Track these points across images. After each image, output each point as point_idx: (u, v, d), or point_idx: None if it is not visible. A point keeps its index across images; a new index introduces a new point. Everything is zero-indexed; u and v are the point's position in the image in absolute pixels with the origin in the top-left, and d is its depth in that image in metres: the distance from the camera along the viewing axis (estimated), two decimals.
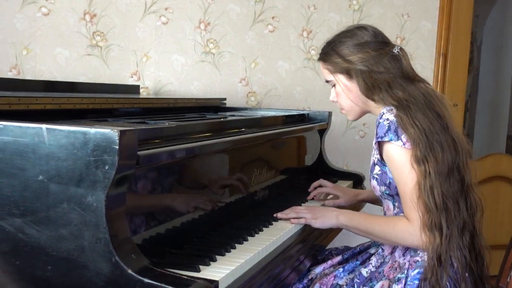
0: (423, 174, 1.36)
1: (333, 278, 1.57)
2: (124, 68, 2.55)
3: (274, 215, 1.60)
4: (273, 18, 2.84)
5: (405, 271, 1.42)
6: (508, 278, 1.50)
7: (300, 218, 1.57)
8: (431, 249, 1.35)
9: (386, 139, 1.41)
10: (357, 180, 2.32)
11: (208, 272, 1.12)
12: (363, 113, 1.60)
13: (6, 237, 1.04)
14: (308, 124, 2.24)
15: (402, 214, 1.46)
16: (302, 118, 2.33)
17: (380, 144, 1.46)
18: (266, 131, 1.80)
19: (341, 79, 1.54)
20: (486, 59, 4.63)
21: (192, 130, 1.42)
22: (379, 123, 1.44)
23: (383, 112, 1.45)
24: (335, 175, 2.32)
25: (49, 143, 1.01)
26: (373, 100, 1.50)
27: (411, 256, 1.45)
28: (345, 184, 2.22)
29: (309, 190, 1.93)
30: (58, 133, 1.00)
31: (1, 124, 1.04)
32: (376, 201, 1.89)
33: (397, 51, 1.50)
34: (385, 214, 1.57)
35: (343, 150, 3.05)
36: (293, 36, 2.89)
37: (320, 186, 1.94)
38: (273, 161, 1.90)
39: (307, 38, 2.92)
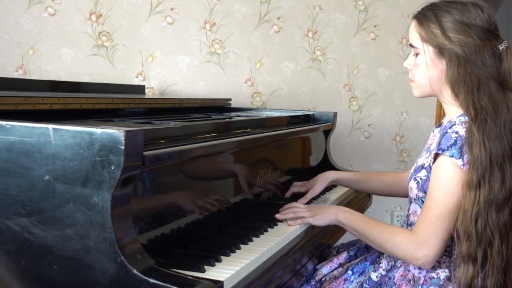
0: (471, 201, 1.26)
1: (343, 282, 1.53)
2: (130, 68, 2.56)
3: (275, 216, 1.59)
4: (278, 18, 2.84)
5: (419, 287, 1.37)
6: None
7: (298, 218, 1.55)
8: (463, 280, 1.28)
9: (447, 153, 1.29)
10: None
11: (213, 272, 1.12)
12: (432, 95, 1.44)
13: (12, 236, 1.05)
14: (313, 125, 2.24)
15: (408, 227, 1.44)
16: (307, 119, 2.32)
17: (437, 154, 1.33)
18: (271, 131, 1.80)
19: (430, 51, 1.36)
20: None
21: (197, 130, 1.42)
22: (446, 132, 1.32)
23: (454, 122, 1.33)
24: None
25: (55, 143, 1.01)
26: (453, 93, 1.35)
27: (427, 272, 1.38)
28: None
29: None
30: (64, 133, 1.01)
31: (8, 124, 1.04)
32: (350, 183, 1.86)
33: (503, 48, 1.34)
34: (408, 216, 1.50)
35: (348, 151, 3.05)
36: (299, 36, 2.89)
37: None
38: (278, 161, 1.90)
39: (312, 39, 2.91)
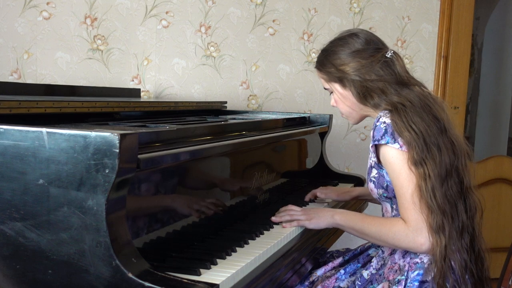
0: (422, 176, 1.36)
1: (334, 280, 1.57)
2: (125, 72, 2.55)
3: (271, 219, 1.59)
4: (273, 21, 2.84)
5: (405, 273, 1.42)
6: (510, 281, 1.49)
7: (293, 220, 1.56)
8: (438, 251, 1.34)
9: (382, 142, 1.42)
10: (358, 183, 2.31)
11: (209, 275, 1.12)
12: (363, 117, 1.60)
13: (6, 241, 1.04)
14: (309, 127, 2.24)
15: (399, 216, 1.46)
16: (303, 121, 2.33)
17: (377, 147, 1.46)
18: (267, 134, 1.80)
19: (336, 87, 1.56)
20: (487, 62, 4.63)
21: (192, 133, 1.42)
22: (375, 126, 1.45)
23: (380, 115, 1.46)
24: (336, 178, 2.32)
25: (50, 147, 1.01)
26: (368, 106, 1.51)
27: (410, 258, 1.44)
28: (346, 187, 2.21)
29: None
30: (58, 137, 1.00)
31: (2, 128, 1.04)
32: (369, 196, 1.91)
33: (391, 55, 1.50)
34: (383, 215, 1.57)
35: (344, 153, 3.05)
36: (294, 39, 2.89)
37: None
38: (274, 164, 1.90)
39: (307, 41, 2.92)
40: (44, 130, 1.01)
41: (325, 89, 1.62)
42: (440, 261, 1.34)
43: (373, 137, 1.45)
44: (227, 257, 1.25)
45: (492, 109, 4.64)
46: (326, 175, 2.33)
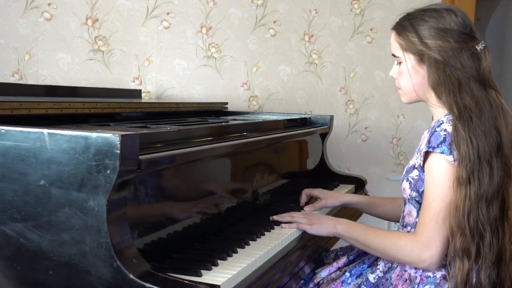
0: (463, 196, 1.29)
1: (340, 283, 1.53)
2: (126, 73, 2.56)
3: (271, 218, 1.58)
4: (274, 22, 2.84)
5: (416, 286, 1.38)
6: None
7: (293, 222, 1.55)
8: (459, 276, 1.29)
9: (438, 150, 1.32)
10: (359, 184, 2.31)
11: (210, 276, 1.12)
12: (419, 100, 1.49)
13: (7, 242, 1.04)
14: (310, 128, 2.24)
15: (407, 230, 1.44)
16: (304, 122, 2.32)
17: (427, 153, 1.36)
18: (268, 135, 1.79)
19: (411, 59, 1.41)
20: None
21: (193, 134, 1.42)
22: (435, 131, 1.35)
23: (442, 121, 1.36)
24: (337, 179, 2.31)
25: (51, 148, 1.01)
26: (437, 96, 1.39)
27: (423, 271, 1.39)
28: (347, 188, 2.21)
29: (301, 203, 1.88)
30: (59, 138, 1.00)
31: (3, 129, 1.04)
32: (364, 207, 1.83)
33: (481, 49, 1.37)
34: (403, 218, 1.51)
35: (345, 154, 3.05)
36: (295, 40, 2.89)
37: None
38: (274, 165, 1.90)
39: (308, 42, 2.92)
40: (45, 131, 1.01)
41: (392, 55, 1.48)
42: (461, 286, 1.29)
43: (429, 142, 1.34)
44: (228, 258, 1.25)
45: None
46: (327, 176, 2.33)
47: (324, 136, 2.37)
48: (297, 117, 2.30)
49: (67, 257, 1.01)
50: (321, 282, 1.58)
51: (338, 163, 2.96)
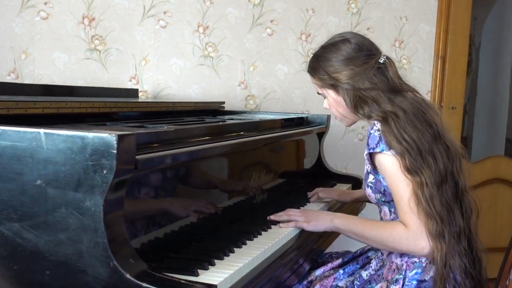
0: (419, 184, 1.36)
1: (332, 280, 1.57)
2: (123, 72, 2.55)
3: (268, 217, 1.59)
4: (271, 21, 2.84)
5: (403, 272, 1.42)
6: (507, 281, 1.50)
7: (291, 221, 1.56)
8: (439, 257, 1.34)
9: (377, 150, 1.42)
10: (356, 183, 2.31)
11: (207, 276, 1.12)
12: (356, 121, 1.61)
13: (4, 242, 1.04)
14: (307, 128, 2.24)
15: (398, 219, 1.46)
16: (301, 122, 2.33)
17: (371, 155, 1.46)
18: (265, 134, 1.80)
19: (330, 93, 1.56)
20: (485, 62, 4.64)
21: (190, 134, 1.42)
22: (370, 133, 1.44)
23: (374, 123, 1.45)
24: (334, 178, 2.32)
25: (47, 148, 1.01)
26: (361, 114, 1.50)
27: (408, 257, 1.44)
28: (344, 187, 2.22)
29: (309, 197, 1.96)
30: (56, 138, 1.00)
31: None
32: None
33: (383, 61, 1.50)
34: (381, 219, 1.57)
35: (342, 153, 3.05)
36: (292, 39, 2.89)
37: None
38: (272, 164, 1.90)
39: (305, 42, 2.92)
40: (41, 130, 1.01)
41: (318, 93, 1.63)
42: (441, 268, 1.34)
43: (368, 145, 1.45)
44: (225, 257, 1.25)
45: (490, 109, 4.64)
46: (324, 175, 2.33)
47: (321, 135, 2.37)
48: (294, 116, 2.30)
49: (63, 257, 1.01)
50: (314, 279, 1.62)
51: (335, 163, 2.96)
